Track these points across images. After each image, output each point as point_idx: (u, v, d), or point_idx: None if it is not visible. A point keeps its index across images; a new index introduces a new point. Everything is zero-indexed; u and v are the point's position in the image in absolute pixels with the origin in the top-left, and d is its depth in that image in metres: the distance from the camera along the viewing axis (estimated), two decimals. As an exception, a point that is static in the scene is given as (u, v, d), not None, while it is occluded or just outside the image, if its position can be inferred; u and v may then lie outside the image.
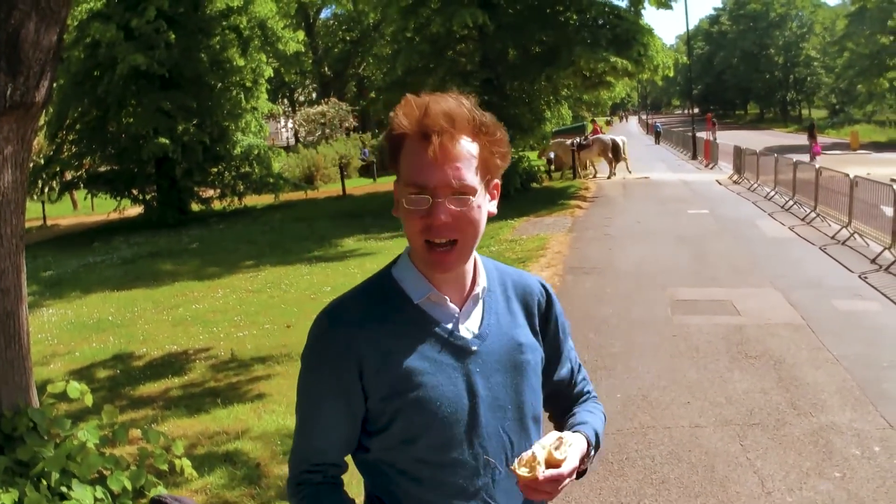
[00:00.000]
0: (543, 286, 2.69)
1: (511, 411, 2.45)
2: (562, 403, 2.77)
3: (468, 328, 2.43)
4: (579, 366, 2.83)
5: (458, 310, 2.43)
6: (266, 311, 14.38)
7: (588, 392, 2.84)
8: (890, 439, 7.28)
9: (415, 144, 2.25)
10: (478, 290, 2.47)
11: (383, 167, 52.26)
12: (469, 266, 2.45)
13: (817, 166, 22.60)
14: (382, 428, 2.35)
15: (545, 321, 2.64)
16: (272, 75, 38.44)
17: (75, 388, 6.16)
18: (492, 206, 2.42)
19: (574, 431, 2.53)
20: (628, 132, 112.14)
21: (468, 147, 2.27)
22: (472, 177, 2.26)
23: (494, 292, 2.54)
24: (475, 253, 2.46)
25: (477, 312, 2.47)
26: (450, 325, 2.40)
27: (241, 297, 16.07)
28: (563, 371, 2.74)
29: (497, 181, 2.44)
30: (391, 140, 2.32)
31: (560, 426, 2.69)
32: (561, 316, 2.71)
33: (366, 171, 53.48)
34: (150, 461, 6.25)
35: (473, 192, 2.27)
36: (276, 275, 18.22)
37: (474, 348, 2.40)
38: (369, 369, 2.32)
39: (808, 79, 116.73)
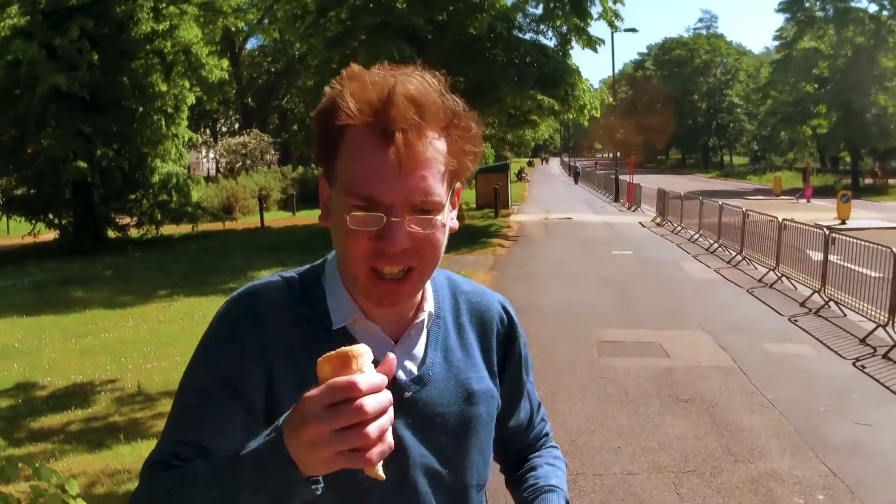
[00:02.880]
0: (505, 309, 2.13)
1: (449, 477, 1.91)
2: (515, 447, 2.27)
3: (406, 366, 1.87)
4: (539, 404, 2.33)
5: (392, 342, 1.86)
6: (177, 343, 13.76)
7: (546, 435, 2.37)
8: (833, 487, 6.98)
9: (366, 140, 1.66)
10: (422, 316, 1.90)
11: (304, 200, 51.86)
12: None
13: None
14: None
15: (505, 357, 2.10)
16: (194, 103, 38.00)
17: (-34, 418, 5.65)
18: (453, 220, 1.85)
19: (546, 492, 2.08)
20: (550, 173, 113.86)
21: (437, 147, 1.71)
22: (439, 188, 1.71)
23: (444, 318, 1.98)
24: None
25: (420, 346, 1.91)
26: None
27: (152, 327, 15.50)
28: (522, 415, 2.24)
29: (459, 186, 1.86)
30: (326, 127, 1.71)
31: (514, 478, 2.23)
32: (524, 348, 2.18)
33: (285, 204, 52.90)
34: (43, 501, 5.75)
35: (440, 208, 1.73)
36: (190, 305, 17.66)
37: (408, 394, 1.84)
38: (277, 385, 1.76)
39: (731, 125, 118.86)
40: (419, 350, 1.91)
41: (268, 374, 1.75)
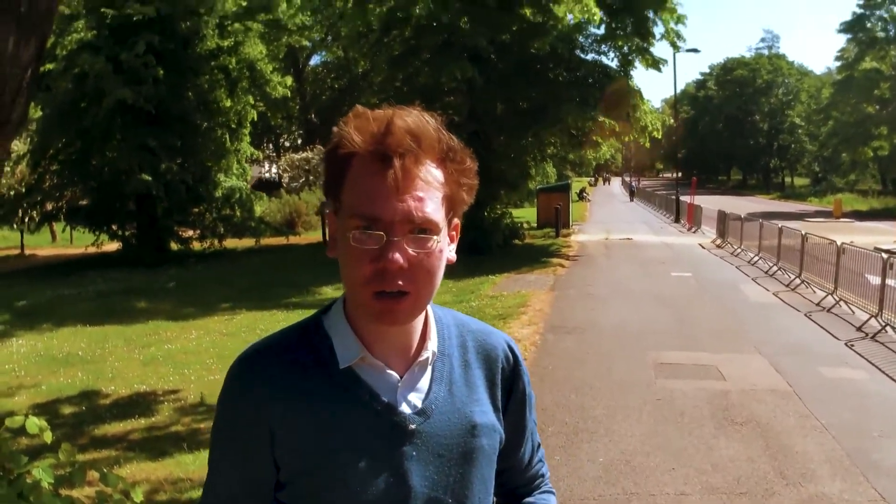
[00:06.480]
0: (510, 348, 2.21)
1: None
2: (511, 483, 2.37)
3: (410, 401, 1.98)
4: (538, 445, 2.41)
5: (398, 377, 1.98)
6: (239, 356, 13.98)
7: (543, 476, 2.43)
8: (883, 513, 7.00)
9: (368, 167, 1.82)
10: (426, 354, 2.01)
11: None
12: (418, 322, 2.01)
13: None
14: None
15: (508, 393, 2.18)
16: (255, 118, 38.24)
17: (34, 423, 5.85)
18: (451, 252, 1.98)
19: None
20: (611, 193, 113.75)
21: (434, 174, 1.87)
22: (435, 211, 1.85)
23: (449, 356, 2.08)
24: (428, 305, 2.04)
25: (424, 381, 2.02)
26: (385, 397, 1.95)
27: (214, 339, 15.75)
28: (522, 452, 2.31)
29: (458, 221, 2.00)
30: (334, 160, 1.88)
31: None
32: (528, 386, 2.26)
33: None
34: (108, 506, 5.95)
35: (437, 229, 1.85)
36: (252, 319, 17.90)
37: (413, 426, 1.95)
38: (281, 439, 1.92)
39: (792, 146, 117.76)
40: (424, 385, 2.01)
41: (275, 424, 1.93)
